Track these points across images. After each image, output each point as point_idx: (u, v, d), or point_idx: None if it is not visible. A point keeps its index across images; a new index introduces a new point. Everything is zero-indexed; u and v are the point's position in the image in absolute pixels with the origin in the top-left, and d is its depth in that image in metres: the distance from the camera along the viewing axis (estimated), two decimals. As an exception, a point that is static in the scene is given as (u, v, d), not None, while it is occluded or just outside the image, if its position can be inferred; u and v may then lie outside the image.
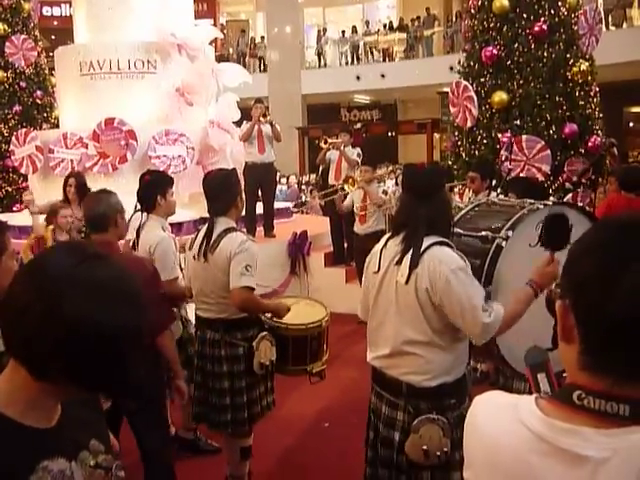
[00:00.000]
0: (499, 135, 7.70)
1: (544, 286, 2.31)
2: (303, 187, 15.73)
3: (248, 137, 7.83)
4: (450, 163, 8.40)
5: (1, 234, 2.07)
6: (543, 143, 7.27)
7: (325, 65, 21.92)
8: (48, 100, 12.65)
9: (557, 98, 7.76)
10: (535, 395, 0.99)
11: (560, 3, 7.97)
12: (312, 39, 22.97)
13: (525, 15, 7.90)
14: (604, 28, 10.70)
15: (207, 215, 3.43)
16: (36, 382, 1.05)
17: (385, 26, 21.99)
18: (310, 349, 3.48)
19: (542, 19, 7.84)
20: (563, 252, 0.95)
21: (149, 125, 8.15)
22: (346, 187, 6.89)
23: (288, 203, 11.04)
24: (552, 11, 7.90)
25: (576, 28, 8.02)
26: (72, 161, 8.04)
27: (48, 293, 1.01)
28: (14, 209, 10.85)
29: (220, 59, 13.56)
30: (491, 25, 8.09)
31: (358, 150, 7.82)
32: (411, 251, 2.27)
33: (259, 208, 8.05)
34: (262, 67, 22.17)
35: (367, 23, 22.58)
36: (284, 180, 15.58)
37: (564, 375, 0.98)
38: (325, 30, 22.83)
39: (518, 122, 7.66)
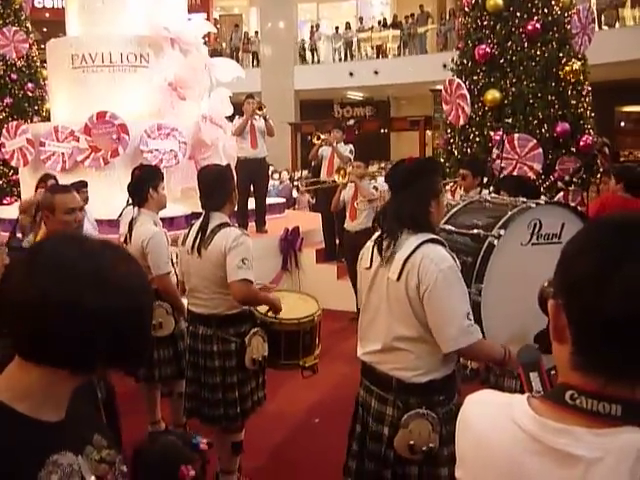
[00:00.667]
0: (491, 133, 7.73)
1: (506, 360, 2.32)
2: (296, 183, 15.71)
3: (241, 132, 7.81)
4: (442, 160, 8.41)
5: None
6: (535, 141, 7.30)
7: (318, 61, 21.89)
8: (39, 93, 12.59)
9: (549, 97, 7.80)
10: (527, 394, 0.99)
11: (553, 2, 8.01)
12: (305, 35, 22.92)
13: (518, 14, 7.93)
14: (597, 28, 10.77)
15: (199, 210, 3.42)
16: (47, 375, 1.07)
17: (379, 23, 21.97)
18: (303, 343, 3.50)
19: (535, 18, 7.87)
20: (555, 253, 0.95)
21: (141, 119, 8.13)
22: (336, 178, 6.86)
23: (280, 199, 11.03)
24: (545, 10, 7.93)
25: (569, 27, 8.06)
26: (63, 154, 8.01)
27: (67, 286, 1.04)
28: (4, 202, 10.79)
29: (213, 54, 13.52)
30: (484, 23, 8.12)
31: (350, 146, 7.82)
32: (403, 248, 2.28)
33: (251, 203, 8.03)
34: (255, 62, 22.11)
35: (361, 19, 22.54)
36: (276, 176, 15.55)
37: (552, 373, 0.98)
38: (318, 26, 22.80)
39: (510, 120, 7.69)
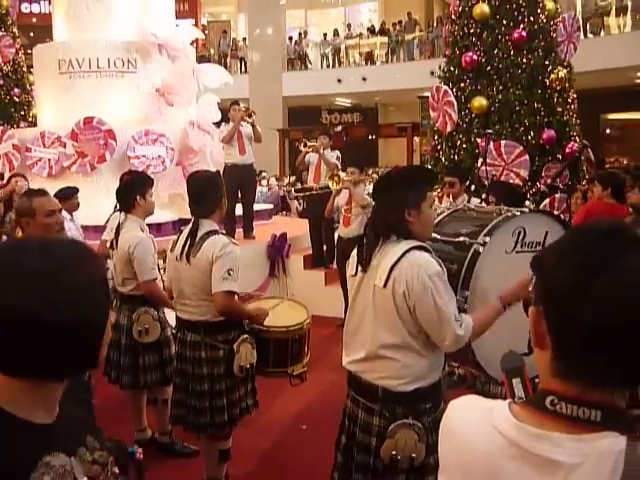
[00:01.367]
0: (478, 140, 7.77)
1: (509, 302, 2.37)
2: (284, 189, 15.71)
3: (230, 139, 7.80)
4: (429, 167, 8.44)
5: None
6: (521, 148, 7.36)
7: (307, 67, 21.94)
8: (26, 98, 12.52)
9: (535, 104, 7.85)
10: (509, 400, 1.00)
11: (539, 10, 8.07)
12: (293, 41, 22.95)
13: (505, 22, 7.99)
14: (582, 36, 10.85)
15: (187, 216, 3.41)
16: (28, 379, 1.07)
17: (367, 30, 22.06)
18: (291, 351, 3.48)
19: (521, 26, 7.94)
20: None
21: (128, 125, 8.10)
22: (330, 184, 6.83)
23: (268, 205, 11.03)
24: (531, 18, 8.00)
25: (555, 35, 8.13)
26: (50, 160, 7.97)
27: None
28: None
29: (201, 60, 13.50)
30: (471, 31, 8.17)
31: (337, 153, 7.80)
32: (389, 255, 2.29)
33: (238, 209, 8.02)
34: (243, 68, 22.11)
35: (349, 26, 22.63)
36: (265, 182, 15.55)
37: (537, 381, 0.99)
38: (306, 32, 22.85)
39: (497, 127, 7.74)
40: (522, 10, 7.99)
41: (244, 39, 22.60)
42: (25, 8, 22.39)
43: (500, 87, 7.93)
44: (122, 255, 3.75)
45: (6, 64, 12.22)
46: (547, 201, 6.98)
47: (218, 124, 8.46)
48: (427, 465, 2.27)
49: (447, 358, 2.50)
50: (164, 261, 3.78)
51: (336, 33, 21.69)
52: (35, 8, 23.48)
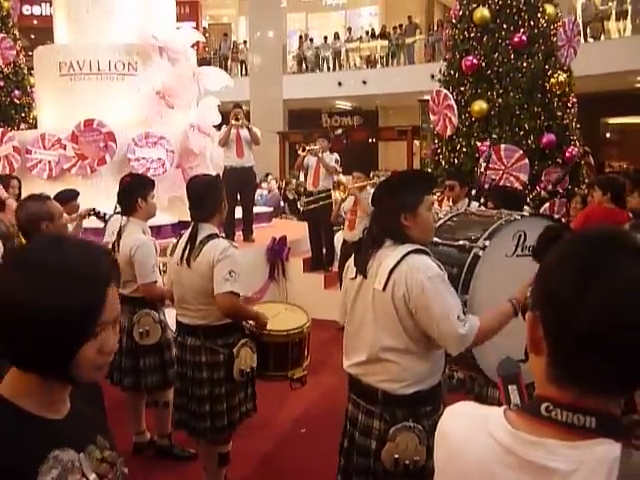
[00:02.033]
0: (478, 144, 7.78)
1: (522, 304, 2.33)
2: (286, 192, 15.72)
3: (225, 141, 7.81)
4: (429, 170, 8.45)
5: None
6: (521, 152, 7.37)
7: (307, 70, 21.96)
8: (26, 100, 12.53)
9: (535, 108, 7.87)
10: (504, 407, 1.00)
11: (539, 15, 8.09)
12: (294, 44, 23.01)
13: (505, 26, 8.01)
14: (582, 40, 10.86)
15: (186, 219, 3.41)
16: (38, 375, 1.11)
17: (367, 33, 22.10)
18: (291, 355, 3.48)
19: (522, 30, 7.96)
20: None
21: (129, 127, 8.10)
22: (337, 194, 6.81)
23: (268, 208, 11.02)
24: (532, 22, 8.02)
25: (555, 40, 8.15)
26: (50, 162, 7.97)
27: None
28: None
29: (202, 62, 13.51)
30: (472, 35, 8.19)
31: (336, 156, 7.80)
32: (388, 258, 2.29)
33: (238, 212, 8.02)
34: (244, 71, 22.14)
35: (349, 30, 22.66)
36: (265, 185, 15.54)
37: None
38: (307, 36, 22.89)
39: (497, 131, 7.75)
40: (522, 14, 8.01)
41: (245, 42, 22.64)
42: (26, 10, 22.41)
43: (500, 91, 7.95)
44: (124, 257, 3.75)
45: (7, 66, 12.24)
46: (547, 205, 6.98)
47: (219, 127, 8.47)
48: (427, 469, 2.27)
49: (447, 361, 2.50)
50: (165, 264, 3.78)
51: (337, 36, 21.72)
52: (36, 10, 23.52)
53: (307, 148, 7.82)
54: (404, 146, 21.04)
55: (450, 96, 8.02)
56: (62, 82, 8.53)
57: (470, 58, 8.06)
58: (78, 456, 1.13)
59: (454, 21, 8.58)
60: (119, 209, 3.99)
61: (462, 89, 8.20)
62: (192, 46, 9.35)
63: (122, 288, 3.87)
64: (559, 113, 8.06)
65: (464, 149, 8.07)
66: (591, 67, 12.17)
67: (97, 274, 1.12)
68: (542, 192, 7.44)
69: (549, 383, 0.92)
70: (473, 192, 5.28)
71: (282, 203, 14.59)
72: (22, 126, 11.96)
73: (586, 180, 7.85)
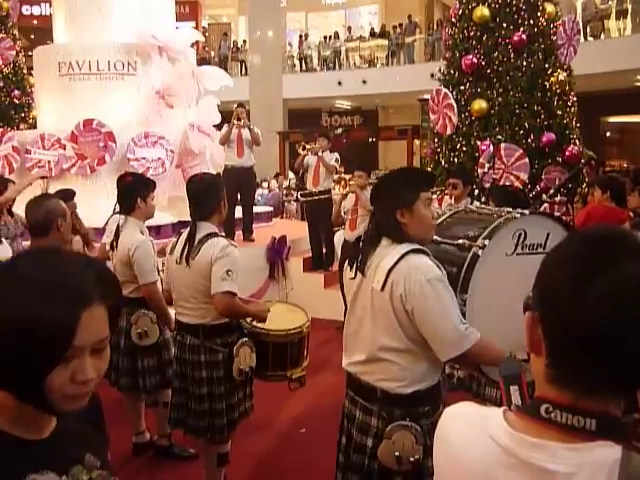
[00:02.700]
0: (478, 143, 7.77)
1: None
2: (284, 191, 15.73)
3: (226, 140, 7.81)
4: (429, 169, 8.44)
5: None
6: (521, 151, 7.36)
7: (307, 70, 21.95)
8: (26, 100, 12.53)
9: (535, 107, 7.86)
10: (504, 408, 0.99)
11: (539, 13, 8.08)
12: (294, 44, 23.00)
13: (505, 25, 8.00)
14: (582, 39, 10.85)
15: (186, 218, 3.40)
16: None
17: (368, 32, 22.09)
18: (290, 355, 3.47)
19: (521, 29, 7.94)
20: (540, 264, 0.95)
21: (128, 127, 8.10)
22: (337, 189, 6.79)
23: (268, 207, 11.02)
24: (531, 21, 8.01)
25: (555, 38, 8.13)
26: (49, 162, 7.96)
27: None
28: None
29: (202, 62, 13.52)
30: (471, 34, 8.18)
31: (336, 155, 7.79)
32: (386, 258, 2.28)
33: (238, 212, 8.01)
34: (244, 71, 22.13)
35: (349, 29, 22.65)
36: (265, 184, 15.55)
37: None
38: (307, 35, 22.88)
39: (497, 130, 7.74)
40: (522, 13, 8.00)
41: (244, 41, 22.63)
42: (26, 10, 22.41)
43: (500, 90, 7.94)
44: (122, 257, 3.75)
45: (6, 66, 12.23)
46: (546, 204, 6.97)
47: (218, 126, 8.46)
48: (424, 467, 2.26)
49: (448, 360, 2.48)
50: (163, 263, 3.78)
51: (336, 36, 21.71)
52: (36, 10, 23.53)
53: (307, 147, 7.82)
54: (404, 145, 21.01)
55: (450, 95, 8.01)
56: (62, 82, 8.53)
57: (470, 57, 8.04)
58: (59, 479, 1.04)
59: (454, 20, 8.56)
60: (118, 209, 3.98)
61: (462, 88, 8.18)
62: (192, 46, 9.35)
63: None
64: (559, 112, 8.04)
65: (464, 148, 8.06)
66: (591, 66, 12.17)
67: (74, 291, 1.00)
68: (543, 196, 7.42)
69: (549, 384, 0.92)
70: (475, 191, 5.27)
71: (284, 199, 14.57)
72: (22, 126, 11.96)
73: (586, 179, 7.84)
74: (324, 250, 7.92)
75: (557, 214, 6.03)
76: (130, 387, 3.90)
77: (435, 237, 2.61)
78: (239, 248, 3.35)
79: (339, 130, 20.59)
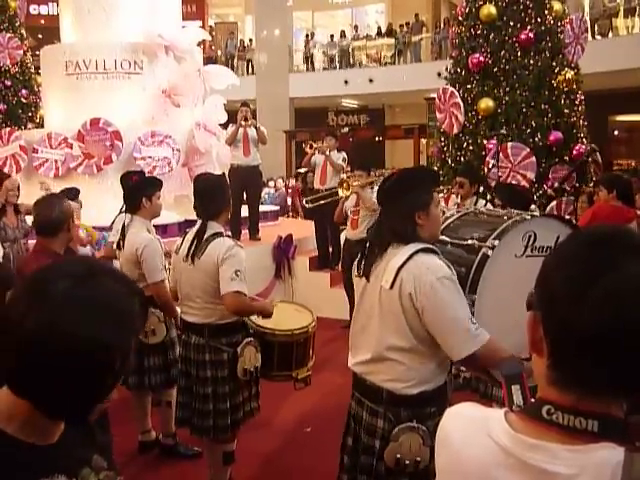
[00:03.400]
0: (485, 142, 7.74)
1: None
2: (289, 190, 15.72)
3: (233, 140, 7.81)
4: (436, 168, 8.42)
5: None
6: (528, 150, 7.32)
7: (313, 69, 21.94)
8: (33, 99, 12.57)
9: (542, 106, 7.81)
10: (505, 409, 0.98)
11: (547, 12, 8.04)
12: (300, 43, 22.98)
13: (512, 23, 7.96)
14: (590, 37, 10.80)
15: (192, 217, 3.41)
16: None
17: (374, 31, 22.05)
18: (296, 355, 3.47)
19: (528, 27, 7.90)
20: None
21: (135, 126, 8.11)
22: (340, 192, 6.79)
23: (274, 206, 11.02)
24: (539, 19, 7.96)
25: (562, 37, 8.09)
26: (56, 161, 8.00)
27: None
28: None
29: (208, 61, 13.52)
30: (478, 32, 8.14)
31: (343, 154, 7.79)
32: (396, 256, 2.26)
33: (244, 211, 8.02)
34: (250, 70, 22.13)
35: (356, 28, 22.62)
36: (272, 183, 15.54)
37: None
38: (313, 34, 22.87)
39: (504, 129, 7.70)
40: (529, 11, 7.96)
41: (251, 40, 22.64)
42: (33, 10, 22.49)
43: (507, 89, 7.90)
44: (129, 256, 3.75)
45: (14, 65, 12.27)
46: (554, 204, 6.94)
47: (225, 125, 8.46)
48: (431, 470, 2.25)
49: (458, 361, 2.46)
50: (170, 262, 3.78)
51: (343, 34, 21.68)
52: (43, 10, 23.61)
53: (314, 146, 7.82)
54: (411, 144, 21.00)
55: (457, 94, 7.98)
56: (69, 81, 8.56)
57: (477, 56, 8.01)
58: None
59: (461, 18, 8.53)
60: (124, 208, 3.99)
61: (469, 87, 8.15)
62: (198, 45, 9.36)
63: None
64: (566, 111, 8.00)
65: (470, 147, 8.03)
66: (599, 64, 12.10)
67: (130, 320, 1.06)
68: (549, 190, 7.39)
69: (550, 385, 0.91)
70: (480, 189, 5.26)
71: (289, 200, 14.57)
72: (29, 125, 12.00)
73: (593, 178, 7.79)
74: (330, 249, 7.91)
75: (564, 213, 6.01)
76: (137, 385, 3.91)
77: (444, 238, 2.60)
78: (245, 247, 3.36)
79: (345, 129, 20.58)
